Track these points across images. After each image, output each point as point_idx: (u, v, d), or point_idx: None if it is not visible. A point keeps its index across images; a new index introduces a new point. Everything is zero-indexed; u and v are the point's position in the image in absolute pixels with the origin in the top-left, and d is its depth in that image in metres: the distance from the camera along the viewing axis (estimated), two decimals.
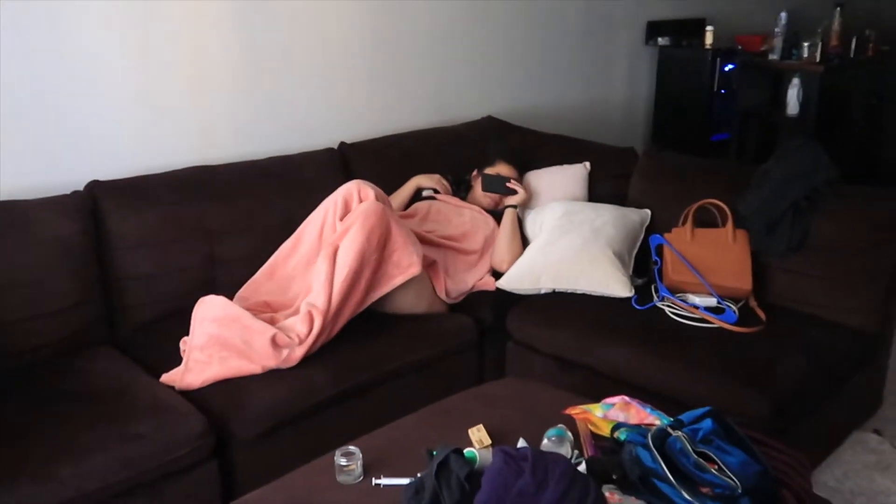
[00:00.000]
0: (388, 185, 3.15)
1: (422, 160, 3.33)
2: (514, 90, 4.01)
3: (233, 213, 2.79)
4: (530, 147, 3.48)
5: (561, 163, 3.31)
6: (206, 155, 2.96)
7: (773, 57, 4.94)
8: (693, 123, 4.59)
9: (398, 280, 2.56)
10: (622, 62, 4.59)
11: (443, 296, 2.81)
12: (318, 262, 2.47)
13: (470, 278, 2.94)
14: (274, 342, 2.29)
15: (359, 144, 3.29)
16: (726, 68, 4.51)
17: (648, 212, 3.03)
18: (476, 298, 2.91)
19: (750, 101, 5.10)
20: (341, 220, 2.59)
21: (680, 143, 4.56)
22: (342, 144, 3.25)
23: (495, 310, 2.85)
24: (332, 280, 2.41)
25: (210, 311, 2.36)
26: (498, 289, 2.89)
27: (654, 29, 4.61)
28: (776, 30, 4.96)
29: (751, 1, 5.26)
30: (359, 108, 3.42)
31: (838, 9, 5.05)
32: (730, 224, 2.78)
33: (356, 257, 2.43)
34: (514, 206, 3.05)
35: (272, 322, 2.43)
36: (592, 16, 4.30)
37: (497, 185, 3.09)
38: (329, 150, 3.19)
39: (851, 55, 5.07)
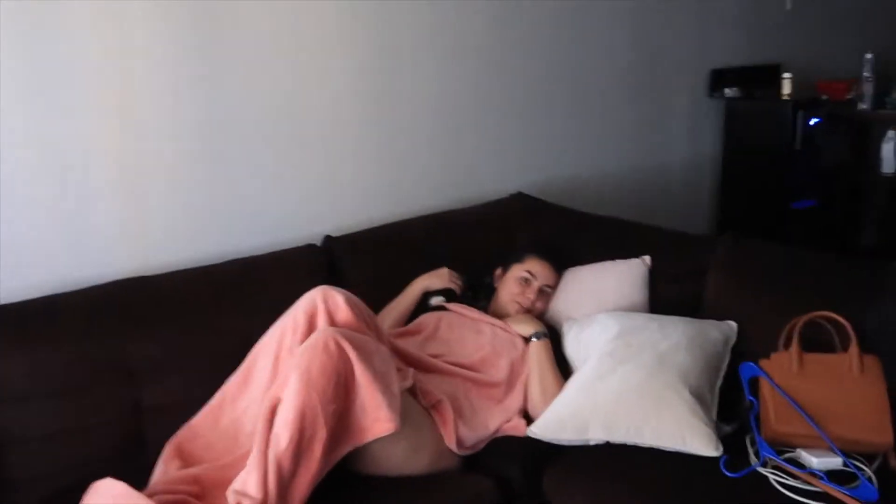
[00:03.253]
0: (389, 289, 2.45)
1: (431, 255, 2.61)
2: (548, 159, 3.27)
3: (167, 342, 2.09)
4: (570, 234, 2.72)
5: (612, 255, 2.54)
6: (147, 262, 2.27)
7: (864, 106, 4.13)
8: (770, 189, 3.81)
9: (371, 434, 1.83)
10: (681, 119, 3.82)
11: (453, 446, 2.04)
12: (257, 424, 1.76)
13: (492, 421, 2.17)
14: None
15: (349, 237, 2.58)
16: (810, 122, 3.73)
17: (734, 325, 2.24)
18: (500, 448, 2.13)
19: (833, 160, 4.30)
20: (302, 343, 1.90)
21: (754, 214, 3.83)
22: (327, 239, 2.55)
23: (527, 466, 2.07)
24: (266, 455, 1.68)
25: None
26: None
27: (719, 78, 3.86)
28: (865, 74, 4.17)
29: (830, 43, 4.49)
30: (348, 190, 2.72)
31: None
32: (854, 347, 1.98)
33: (296, 419, 1.72)
34: (537, 336, 2.31)
35: (212, 494, 1.74)
36: (644, 65, 3.56)
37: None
38: (309, 248, 2.49)
39: None
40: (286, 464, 1.70)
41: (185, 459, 1.87)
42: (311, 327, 1.94)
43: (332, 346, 1.80)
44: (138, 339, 2.05)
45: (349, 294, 2.00)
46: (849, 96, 4.24)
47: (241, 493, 1.65)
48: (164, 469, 1.86)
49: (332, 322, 1.94)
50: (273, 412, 1.75)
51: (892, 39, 4.68)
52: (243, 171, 2.46)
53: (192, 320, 2.14)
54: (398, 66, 2.74)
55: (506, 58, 3.03)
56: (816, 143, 3.82)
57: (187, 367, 2.08)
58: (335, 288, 2.00)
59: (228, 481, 1.75)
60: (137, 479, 1.80)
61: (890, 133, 4.19)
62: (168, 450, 1.90)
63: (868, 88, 4.12)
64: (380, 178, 2.77)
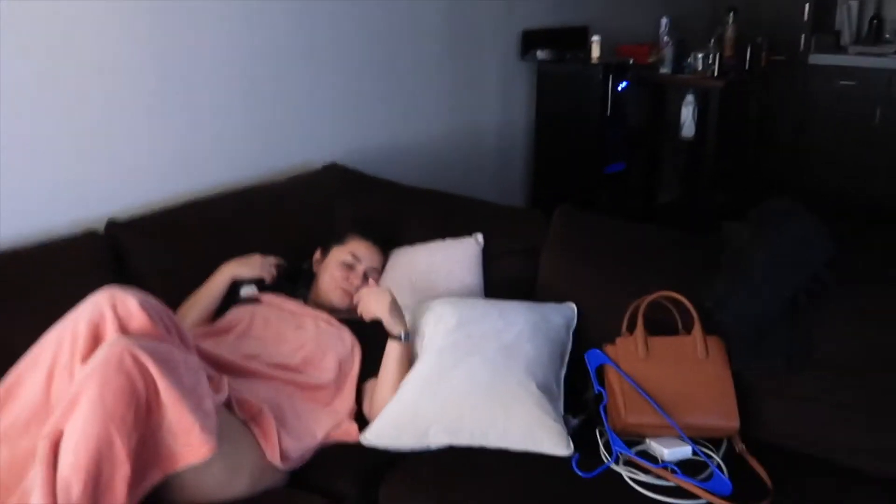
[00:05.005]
0: (190, 281, 2.11)
1: (238, 238, 2.28)
2: (359, 127, 2.98)
3: None
4: (393, 210, 2.48)
5: (440, 234, 2.33)
6: None
7: (664, 70, 4.18)
8: (582, 153, 3.75)
9: (184, 461, 1.53)
10: (495, 84, 3.66)
11: (277, 462, 1.76)
12: (32, 467, 1.39)
13: (319, 428, 1.90)
14: None
15: (137, 221, 2.19)
16: (619, 87, 3.70)
17: (574, 307, 2.11)
18: (330, 459, 1.88)
19: (637, 124, 4.35)
20: (84, 360, 1.55)
21: (568, 179, 3.76)
22: (110, 224, 2.14)
23: (361, 478, 1.84)
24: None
25: None
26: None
27: (530, 40, 3.73)
28: (664, 38, 4.21)
29: (629, 4, 4.51)
30: (134, 164, 2.30)
31: (732, 14, 4.36)
32: (697, 329, 1.90)
33: (90, 460, 1.40)
34: (406, 337, 1.98)
35: None
36: (456, 26, 3.35)
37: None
38: (89, 236, 2.08)
39: (747, 66, 4.39)
40: None
41: None
42: (96, 339, 1.58)
43: (129, 361, 1.47)
44: None
45: (143, 294, 1.65)
46: (651, 60, 4.29)
47: None
48: None
49: (124, 330, 1.59)
50: (55, 450, 1.39)
51: (688, 4, 4.79)
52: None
53: None
54: (189, 18, 2.33)
55: (313, 16, 2.70)
56: (624, 107, 3.81)
57: None
58: (125, 287, 1.64)
59: None
60: None
61: (688, 97, 4.29)
62: None
63: (668, 52, 4.18)
64: (171, 149, 2.36)
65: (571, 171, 3.78)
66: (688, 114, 4.25)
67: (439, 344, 1.92)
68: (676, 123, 4.30)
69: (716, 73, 4.04)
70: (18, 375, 1.61)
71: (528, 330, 1.95)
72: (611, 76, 3.63)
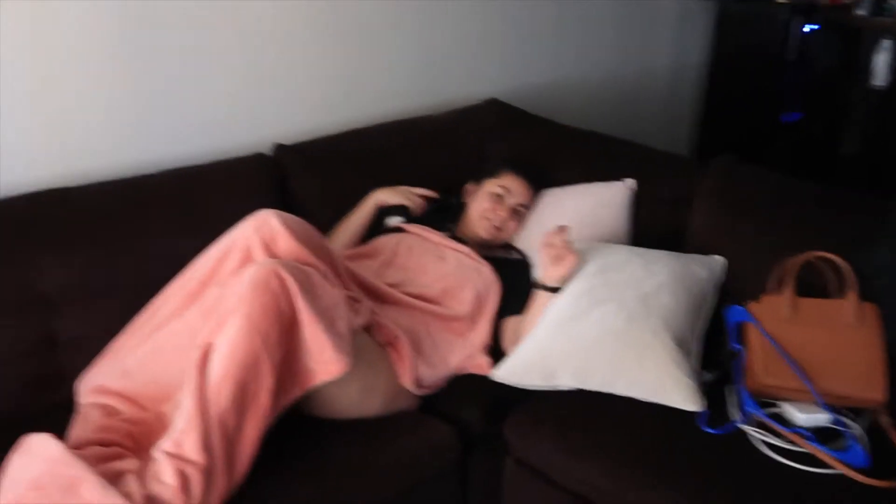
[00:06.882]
0: (344, 206, 2.21)
1: (394, 168, 2.36)
2: (523, 64, 2.95)
3: (88, 265, 1.84)
4: (548, 149, 2.47)
5: (592, 176, 2.31)
6: (67, 172, 1.99)
7: (861, 12, 3.85)
8: (758, 101, 3.56)
9: (320, 378, 1.63)
10: (668, 22, 3.51)
11: (410, 386, 1.86)
12: (187, 374, 1.53)
13: (453, 357, 1.98)
14: None
15: (302, 146, 2.31)
16: (804, 29, 3.46)
17: (723, 261, 2.04)
18: (461, 388, 1.95)
19: (822, 70, 4.05)
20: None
21: (740, 126, 3.59)
22: (278, 147, 2.27)
23: (489, 409, 1.90)
24: (207, 413, 1.47)
25: (28, 471, 1.41)
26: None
27: None
28: None
29: None
30: (303, 94, 2.41)
31: None
32: (852, 294, 1.80)
33: (239, 371, 1.51)
34: (553, 288, 1.94)
35: (139, 445, 1.54)
36: None
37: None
38: (258, 157, 2.22)
39: None
40: (231, 421, 1.49)
41: (109, 404, 1.66)
42: (245, 260, 1.69)
43: (275, 282, 1.57)
44: (54, 261, 1.80)
45: (290, 217, 1.74)
46: (846, 1, 3.96)
47: (179, 458, 1.44)
48: (86, 416, 1.64)
49: (271, 253, 1.69)
50: (205, 360, 1.52)
51: None
52: (179, 68, 2.15)
53: (117, 240, 1.89)
54: None
55: None
56: (809, 52, 3.56)
57: (110, 293, 1.84)
58: (278, 213, 1.73)
59: (162, 430, 1.55)
60: (56, 418, 1.61)
61: (884, 43, 3.93)
62: (86, 392, 1.69)
63: None
64: (338, 79, 2.46)
65: (744, 119, 3.60)
66: (882, 61, 3.90)
67: (578, 288, 1.92)
68: (867, 72, 3.96)
69: None
70: (184, 283, 1.75)
71: (669, 281, 1.91)
72: (798, 17, 3.40)
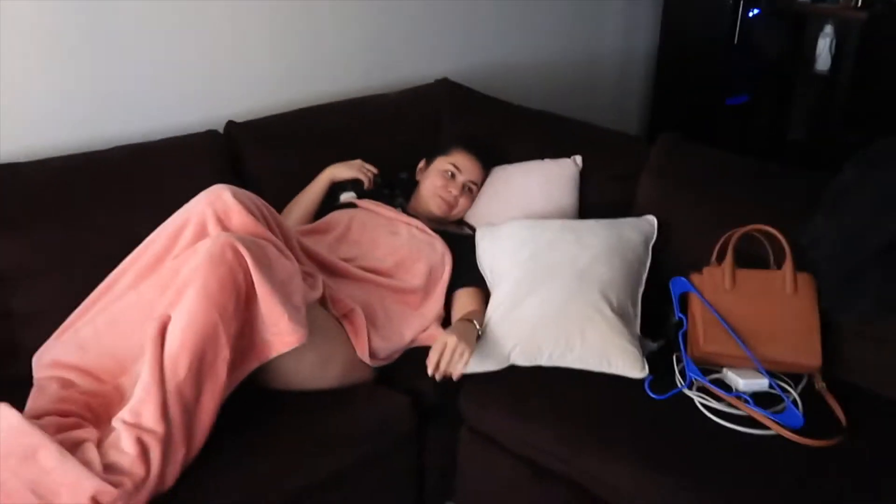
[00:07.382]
0: (298, 183, 2.23)
1: (346, 145, 2.38)
2: (474, 44, 3.00)
3: (41, 241, 1.84)
4: (498, 128, 2.52)
5: (541, 153, 2.36)
6: (20, 148, 1.98)
7: None
8: (705, 84, 3.65)
9: (275, 349, 1.65)
10: (616, 6, 3.58)
11: (365, 358, 1.89)
12: (145, 346, 1.54)
13: (407, 330, 2.02)
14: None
15: (254, 123, 2.32)
16: (750, 14, 3.56)
17: (653, 220, 2.11)
18: (415, 360, 1.98)
19: (767, 54, 4.16)
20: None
21: (687, 109, 3.68)
22: (230, 125, 2.29)
23: (443, 381, 1.94)
24: (164, 384, 1.49)
25: None
26: None
27: None
28: None
29: None
30: (256, 72, 2.43)
31: None
32: (788, 265, 1.88)
33: (196, 342, 1.53)
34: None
35: (98, 417, 1.55)
36: None
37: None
38: (210, 134, 2.22)
39: None
40: (188, 391, 1.51)
41: (66, 377, 1.66)
42: (199, 235, 1.69)
43: (230, 254, 1.58)
44: (7, 236, 1.80)
45: (243, 192, 1.75)
46: None
47: (137, 427, 1.46)
48: (43, 388, 1.65)
49: (225, 227, 1.70)
50: (162, 332, 1.54)
51: None
52: (133, 46, 2.15)
53: (71, 216, 1.89)
54: None
55: None
56: (753, 37, 3.66)
57: (65, 268, 1.85)
58: (226, 187, 1.73)
59: (121, 402, 1.57)
60: (11, 392, 1.60)
61: (827, 28, 4.05)
62: (42, 366, 1.69)
63: None
64: (290, 58, 2.49)
65: (692, 101, 3.69)
66: (824, 46, 4.01)
67: (514, 276, 1.97)
68: (810, 57, 4.08)
69: (860, 4, 3.80)
70: (139, 254, 1.75)
71: (603, 252, 1.96)
72: (742, 2, 3.49)
